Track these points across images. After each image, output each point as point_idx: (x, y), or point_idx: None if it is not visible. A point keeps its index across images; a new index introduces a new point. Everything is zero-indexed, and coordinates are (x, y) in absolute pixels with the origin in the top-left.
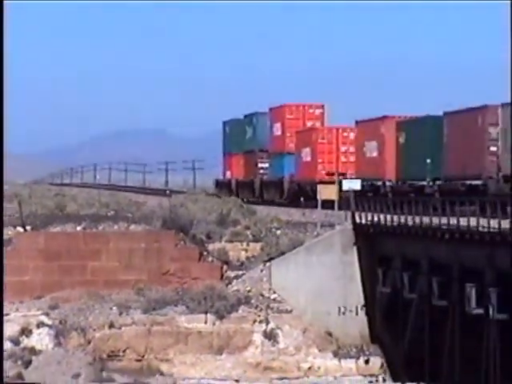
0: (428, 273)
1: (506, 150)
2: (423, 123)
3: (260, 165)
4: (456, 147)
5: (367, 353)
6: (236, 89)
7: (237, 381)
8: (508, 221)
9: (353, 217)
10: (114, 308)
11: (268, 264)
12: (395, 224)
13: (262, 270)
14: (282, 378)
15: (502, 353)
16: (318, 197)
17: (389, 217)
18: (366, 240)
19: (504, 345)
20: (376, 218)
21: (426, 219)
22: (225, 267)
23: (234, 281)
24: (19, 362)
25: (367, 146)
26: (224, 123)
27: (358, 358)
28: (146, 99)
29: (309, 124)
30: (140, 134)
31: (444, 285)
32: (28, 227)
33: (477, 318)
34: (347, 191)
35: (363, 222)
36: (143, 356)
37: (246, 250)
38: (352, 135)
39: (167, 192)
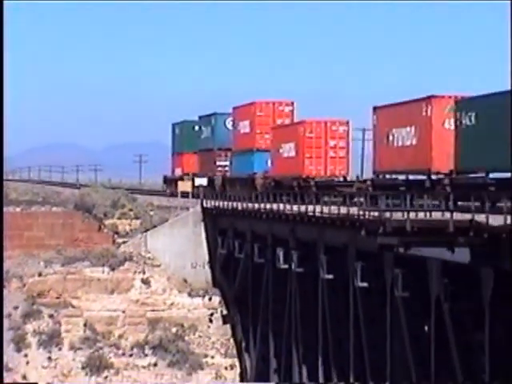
0: (251, 240)
1: None
2: None
3: (218, 162)
4: None
5: (210, 293)
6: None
7: (123, 311)
8: (304, 206)
9: (201, 203)
10: (42, 263)
11: (144, 234)
12: (231, 206)
13: (140, 238)
14: (153, 310)
15: (300, 295)
16: (178, 189)
17: (226, 203)
18: (210, 218)
19: (301, 289)
20: (217, 204)
21: (250, 204)
22: (115, 236)
23: (122, 245)
24: None
25: (396, 134)
26: (173, 125)
27: (204, 297)
28: (60, 117)
29: (279, 121)
30: (58, 146)
31: (262, 248)
32: None
33: (283, 271)
34: (201, 186)
35: (208, 206)
36: (61, 295)
37: (130, 225)
38: (342, 129)
39: (77, 185)
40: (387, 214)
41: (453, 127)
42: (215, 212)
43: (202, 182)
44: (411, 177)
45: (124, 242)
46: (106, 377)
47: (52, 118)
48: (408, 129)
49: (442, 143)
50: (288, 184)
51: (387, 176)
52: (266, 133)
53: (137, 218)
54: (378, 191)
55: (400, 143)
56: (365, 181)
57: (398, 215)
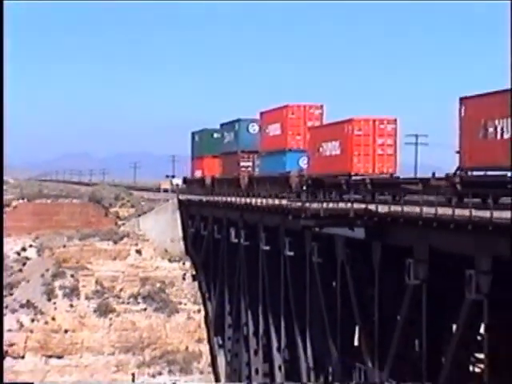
0: (212, 223)
1: None
2: None
3: (242, 163)
4: None
5: (184, 259)
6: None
7: (123, 272)
8: (248, 198)
9: (178, 196)
10: (65, 238)
11: (138, 218)
12: (198, 199)
13: (135, 221)
14: (144, 271)
15: (246, 261)
16: (162, 186)
17: (196, 196)
18: (184, 207)
19: (247, 257)
20: (189, 197)
21: (210, 197)
22: (117, 219)
23: (122, 226)
24: (20, 264)
25: (500, 126)
26: (193, 133)
27: (179, 262)
28: (74, 132)
29: (309, 124)
30: (76, 155)
31: (220, 228)
32: (25, 199)
33: (235, 244)
34: (177, 185)
35: (183, 199)
36: (79, 261)
37: (128, 211)
38: (390, 127)
39: (90, 184)
40: (307, 204)
41: None
42: (187, 203)
43: (178, 181)
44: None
45: (123, 224)
46: (111, 318)
47: (72, 133)
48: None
49: None
50: (330, 182)
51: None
52: (297, 134)
53: (132, 206)
54: (468, 189)
55: (506, 135)
56: (446, 178)
57: (314, 205)
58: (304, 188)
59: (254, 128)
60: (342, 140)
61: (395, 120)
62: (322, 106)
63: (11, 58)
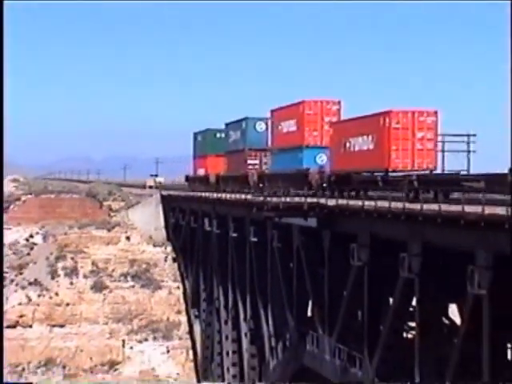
0: (189, 214)
1: None
2: None
3: (249, 161)
4: None
5: (165, 245)
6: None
7: (115, 255)
8: (220, 194)
9: (160, 192)
10: (66, 227)
11: (127, 210)
12: (177, 194)
13: (125, 213)
14: (132, 254)
15: (218, 246)
16: (147, 184)
17: (176, 192)
18: (167, 201)
19: (218, 243)
20: (171, 192)
21: (189, 192)
22: (110, 211)
23: (114, 217)
24: (29, 248)
25: None
26: (195, 134)
27: (161, 247)
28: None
29: (326, 119)
30: (77, 158)
31: (196, 218)
32: (33, 194)
33: (208, 232)
34: (160, 182)
35: (165, 194)
36: (78, 246)
37: (119, 205)
38: (430, 120)
39: (88, 182)
40: (268, 199)
41: None
42: (168, 197)
43: (161, 180)
44: None
45: (115, 215)
46: (105, 293)
47: (75, 139)
48: None
49: None
50: (360, 178)
51: None
52: (314, 130)
53: (123, 200)
54: None
55: None
56: None
57: (274, 199)
58: (325, 185)
59: (261, 126)
60: (378, 134)
61: (435, 112)
62: (339, 102)
63: (13, 60)
